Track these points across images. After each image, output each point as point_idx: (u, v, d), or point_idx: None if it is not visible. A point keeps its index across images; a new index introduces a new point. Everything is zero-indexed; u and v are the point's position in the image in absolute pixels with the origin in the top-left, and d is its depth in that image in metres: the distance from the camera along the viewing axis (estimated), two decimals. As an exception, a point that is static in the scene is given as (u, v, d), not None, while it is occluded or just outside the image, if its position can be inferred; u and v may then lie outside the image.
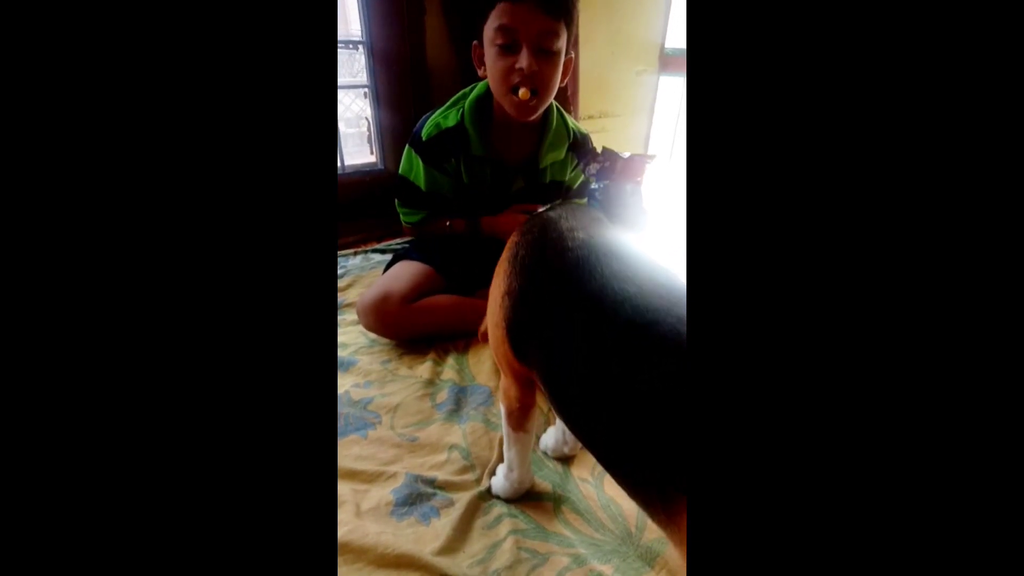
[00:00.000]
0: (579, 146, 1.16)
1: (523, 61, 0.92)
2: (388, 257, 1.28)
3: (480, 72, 1.04)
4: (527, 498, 0.76)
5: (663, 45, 1.84)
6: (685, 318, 0.38)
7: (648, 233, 0.78)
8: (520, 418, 0.67)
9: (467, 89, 1.11)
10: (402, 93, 1.60)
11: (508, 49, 0.93)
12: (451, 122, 1.07)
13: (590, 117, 1.75)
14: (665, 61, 1.85)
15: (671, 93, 1.94)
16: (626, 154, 0.78)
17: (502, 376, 0.65)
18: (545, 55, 0.94)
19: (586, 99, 1.67)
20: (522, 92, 0.95)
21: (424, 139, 1.08)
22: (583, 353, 0.44)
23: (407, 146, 1.13)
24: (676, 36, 1.86)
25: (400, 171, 1.15)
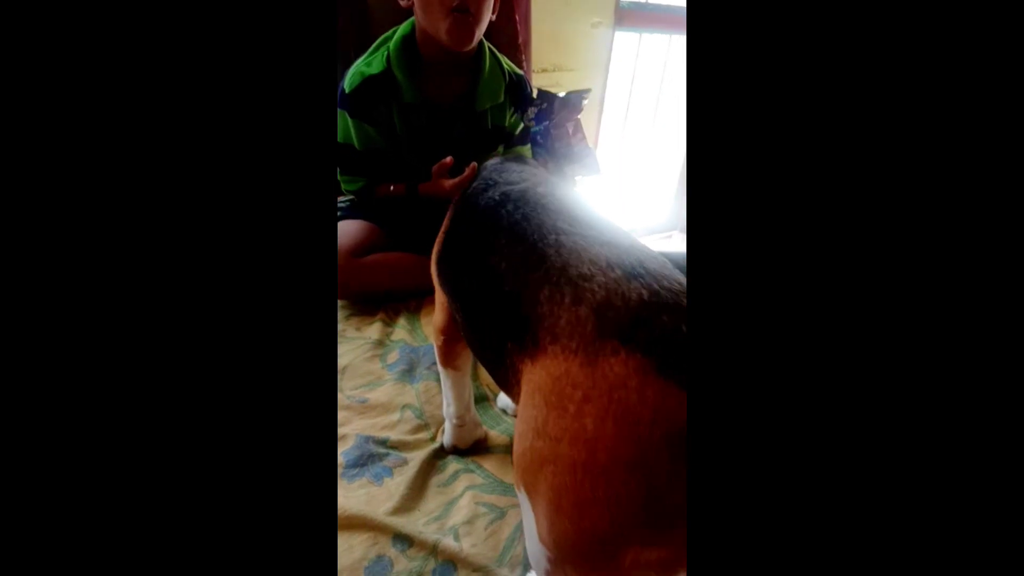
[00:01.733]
0: (516, 88, 1.10)
1: None
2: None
3: (403, 2, 0.95)
4: (484, 452, 0.75)
5: (618, -2, 1.79)
6: (581, 248, 0.42)
7: (597, 171, 0.77)
8: (447, 353, 0.66)
9: (388, 33, 1.02)
10: (339, 34, 1.48)
11: None
12: (376, 68, 0.98)
13: (544, 70, 1.69)
14: (621, 15, 1.80)
15: (626, 48, 1.90)
16: (561, 93, 0.76)
17: (435, 310, 0.66)
18: None
19: (539, 51, 1.61)
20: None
21: (348, 91, 0.99)
22: (476, 262, 0.50)
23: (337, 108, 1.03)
24: (631, -11, 1.81)
25: (338, 139, 1.06)
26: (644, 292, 0.35)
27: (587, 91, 0.78)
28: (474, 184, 0.59)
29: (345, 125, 1.03)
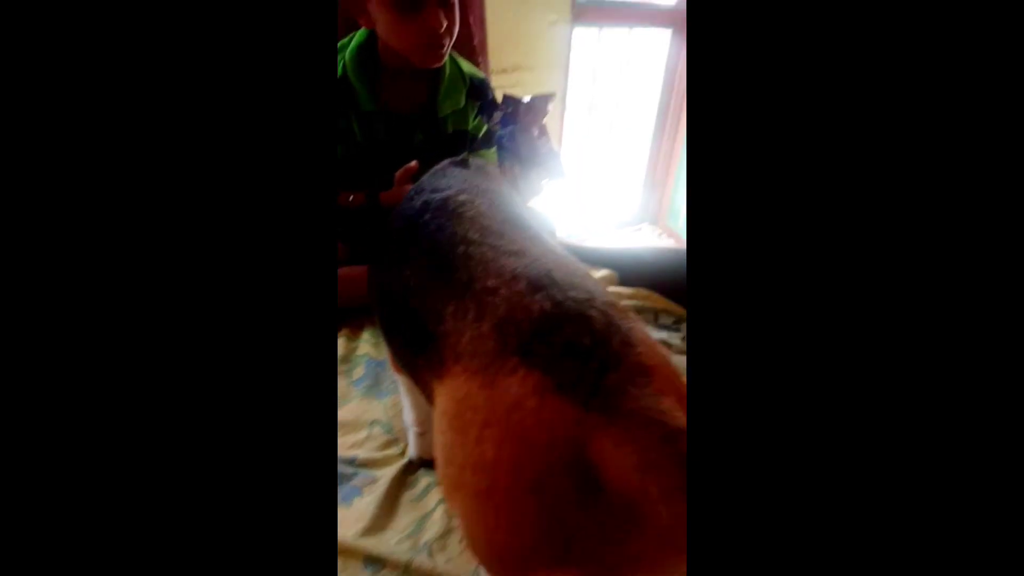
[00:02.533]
0: (478, 92, 1.09)
1: (434, 20, 0.85)
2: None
3: (361, 22, 0.93)
4: (455, 465, 0.74)
5: (574, -6, 1.78)
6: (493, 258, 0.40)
7: (562, 174, 0.77)
8: None
9: (344, 40, 1.00)
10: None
11: (409, 7, 0.84)
12: None
13: (503, 71, 1.68)
14: (579, 11, 1.80)
15: (586, 45, 1.91)
16: (526, 97, 0.75)
17: None
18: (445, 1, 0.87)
19: (497, 52, 1.60)
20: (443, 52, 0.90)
21: None
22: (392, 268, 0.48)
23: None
24: (586, -15, 1.81)
25: None
26: (547, 304, 0.34)
27: (552, 94, 0.78)
28: (412, 190, 0.57)
29: None
